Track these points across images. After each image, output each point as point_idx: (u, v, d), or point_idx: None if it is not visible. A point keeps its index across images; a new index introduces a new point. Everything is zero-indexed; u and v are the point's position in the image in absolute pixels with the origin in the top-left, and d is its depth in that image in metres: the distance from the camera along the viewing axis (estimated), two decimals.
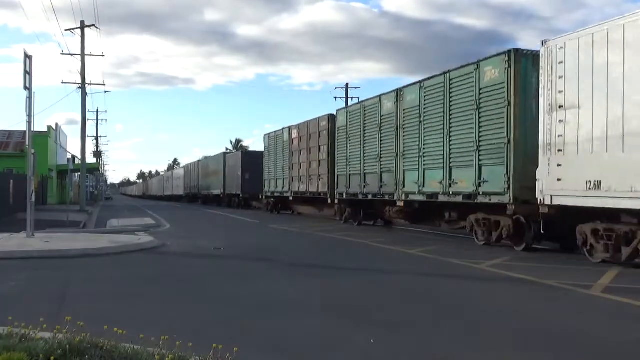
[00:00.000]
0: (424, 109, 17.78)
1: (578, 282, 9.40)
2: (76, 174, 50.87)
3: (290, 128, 31.79)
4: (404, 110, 19.01)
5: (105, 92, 76.10)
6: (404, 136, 19.00)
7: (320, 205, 29.23)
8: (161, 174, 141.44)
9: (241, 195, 43.88)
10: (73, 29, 37.47)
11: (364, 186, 22.03)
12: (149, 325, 6.33)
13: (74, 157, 38.11)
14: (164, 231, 21.60)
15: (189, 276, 10.67)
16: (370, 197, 21.79)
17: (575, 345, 6.00)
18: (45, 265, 11.70)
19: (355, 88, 77.53)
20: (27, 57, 16.06)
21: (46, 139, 47.97)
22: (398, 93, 19.42)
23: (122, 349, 4.64)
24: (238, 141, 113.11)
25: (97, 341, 4.78)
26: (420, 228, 21.43)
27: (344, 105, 52.12)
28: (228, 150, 67.48)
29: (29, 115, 16.22)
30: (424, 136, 17.72)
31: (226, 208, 46.71)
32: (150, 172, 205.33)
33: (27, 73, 16.02)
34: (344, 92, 54.30)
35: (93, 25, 37.73)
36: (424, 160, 17.72)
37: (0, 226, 20.06)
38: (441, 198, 16.81)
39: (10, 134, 49.96)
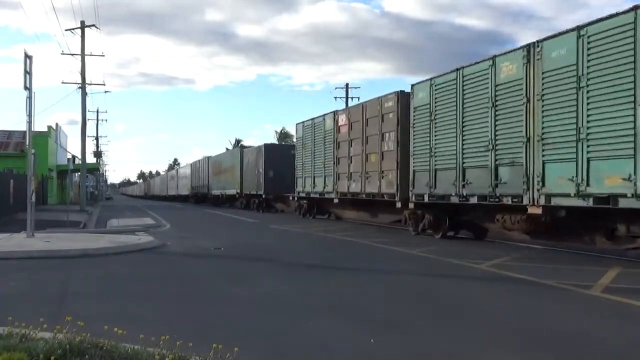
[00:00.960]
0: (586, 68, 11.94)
1: (578, 282, 9.40)
2: (76, 174, 50.89)
3: (335, 113, 25.72)
4: (543, 73, 13.11)
5: (105, 92, 76.28)
6: (543, 111, 13.04)
7: (378, 209, 23.32)
8: (162, 173, 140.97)
9: (263, 196, 37.50)
10: (73, 29, 37.51)
11: (462, 185, 15.93)
12: (149, 325, 6.33)
13: (74, 157, 38.07)
14: (164, 231, 21.60)
15: (189, 276, 10.67)
16: (472, 199, 15.72)
17: (576, 345, 6.00)
18: (45, 265, 11.70)
19: (356, 88, 77.37)
20: (27, 57, 16.06)
21: (46, 139, 47.97)
22: (530, 50, 13.52)
23: (122, 349, 4.64)
24: (238, 141, 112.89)
25: (97, 341, 4.78)
26: None
27: (344, 106, 52.28)
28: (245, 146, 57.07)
29: (29, 115, 16.23)
30: (588, 108, 11.87)
31: (243, 210, 41.38)
32: (150, 172, 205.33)
33: (27, 73, 16.02)
34: (344, 92, 54.25)
35: (93, 25, 37.76)
36: (589, 146, 11.85)
37: (0, 226, 20.06)
38: (624, 203, 11.25)
39: (10, 134, 49.95)
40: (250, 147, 43.87)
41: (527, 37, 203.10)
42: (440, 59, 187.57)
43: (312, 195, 28.19)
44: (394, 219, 21.56)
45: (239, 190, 43.05)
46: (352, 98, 53.54)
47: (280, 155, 36.46)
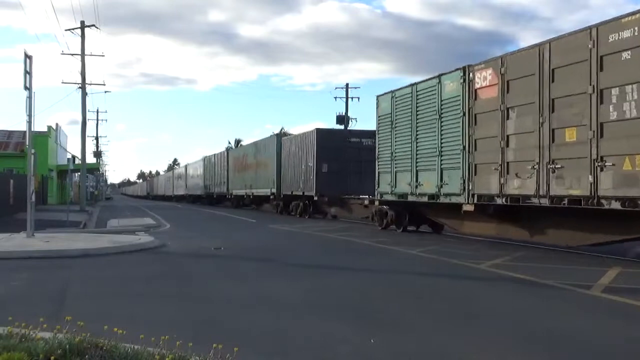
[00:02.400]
0: None
1: (578, 282, 9.40)
2: (76, 174, 50.86)
3: (467, 69, 16.17)
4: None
5: (106, 92, 75.99)
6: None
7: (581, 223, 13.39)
8: (162, 173, 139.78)
9: (315, 197, 28.50)
10: (73, 29, 37.54)
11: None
12: (149, 325, 6.33)
13: (74, 157, 38.05)
14: (164, 231, 21.59)
15: (189, 276, 10.67)
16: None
17: (576, 345, 6.00)
18: (45, 265, 11.70)
19: (355, 88, 77.04)
20: (27, 57, 16.06)
21: (46, 139, 47.97)
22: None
23: (122, 349, 4.64)
24: (238, 141, 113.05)
25: (97, 341, 4.78)
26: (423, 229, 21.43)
27: (344, 106, 52.32)
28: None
29: (29, 115, 16.23)
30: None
31: (280, 215, 33.17)
32: (150, 172, 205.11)
33: (27, 73, 16.03)
34: (344, 92, 54.16)
35: (93, 25, 37.79)
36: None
37: (0, 226, 20.06)
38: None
39: (10, 134, 49.97)
40: (290, 134, 37.78)
41: (528, 37, 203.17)
42: (441, 59, 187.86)
43: (410, 199, 18.94)
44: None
45: (274, 190, 34.33)
46: (352, 98, 53.50)
47: (337, 145, 28.56)
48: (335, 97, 53.72)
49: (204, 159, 57.85)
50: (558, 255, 13.65)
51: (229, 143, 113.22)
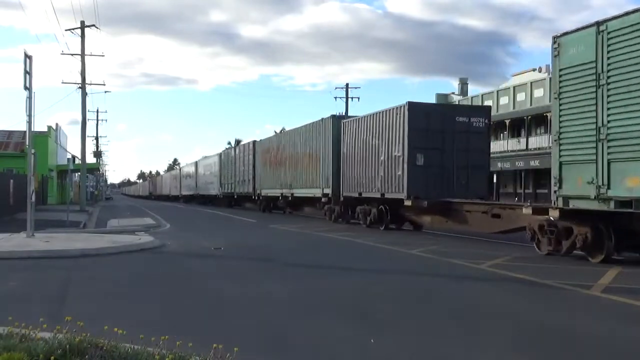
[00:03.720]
0: None
1: (578, 282, 9.40)
2: (76, 174, 50.85)
3: None
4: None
5: (106, 92, 75.92)
6: None
7: None
8: (162, 173, 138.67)
9: (408, 202, 19.68)
10: (73, 29, 37.49)
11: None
12: (149, 325, 6.33)
13: (74, 157, 38.03)
14: (164, 231, 21.59)
15: (189, 276, 10.67)
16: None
17: (576, 345, 6.00)
18: (45, 265, 11.70)
19: (355, 88, 76.97)
20: (27, 57, 16.06)
21: (46, 139, 47.95)
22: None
23: (122, 349, 4.64)
24: (238, 141, 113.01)
25: (97, 341, 4.79)
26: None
27: (345, 107, 52.12)
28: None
29: (29, 115, 16.22)
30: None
31: (338, 224, 24.87)
32: (150, 172, 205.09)
33: (27, 73, 16.02)
34: (344, 92, 54.12)
35: (93, 25, 37.74)
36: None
37: (0, 226, 20.06)
38: None
39: (10, 134, 49.93)
40: (353, 117, 25.31)
41: (529, 38, 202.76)
42: (442, 60, 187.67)
43: None
44: None
45: (327, 191, 25.89)
46: (352, 98, 53.47)
47: (438, 127, 19.81)
48: (336, 97, 53.73)
49: (221, 153, 49.70)
50: (558, 255, 13.62)
51: (229, 143, 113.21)
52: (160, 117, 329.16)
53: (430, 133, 19.70)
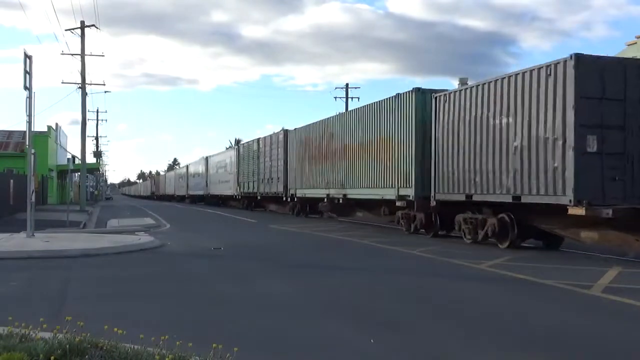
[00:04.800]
0: None
1: (578, 282, 9.40)
2: (76, 174, 50.87)
3: None
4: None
5: (106, 92, 75.93)
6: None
7: None
8: (162, 173, 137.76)
9: (583, 207, 12.08)
10: (73, 29, 37.51)
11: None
12: (148, 325, 6.33)
13: (74, 157, 38.04)
14: (164, 231, 21.59)
15: (189, 276, 10.67)
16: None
17: (576, 345, 6.00)
18: (45, 265, 11.70)
19: (355, 88, 76.87)
20: (27, 57, 16.07)
21: (46, 139, 47.96)
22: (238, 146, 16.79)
23: (122, 349, 4.65)
24: (238, 140, 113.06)
25: (97, 341, 4.79)
26: None
27: (345, 107, 52.07)
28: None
29: (29, 115, 16.23)
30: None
31: (426, 237, 18.15)
32: (150, 172, 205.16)
33: (27, 73, 16.04)
34: (344, 92, 54.06)
35: (93, 25, 37.76)
36: None
37: (0, 226, 20.07)
38: None
39: (10, 134, 49.95)
40: (450, 90, 17.47)
41: (529, 38, 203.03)
42: (443, 60, 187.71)
43: None
44: None
45: (407, 192, 18.87)
46: (352, 98, 53.38)
47: (619, 93, 12.70)
48: (335, 97, 53.47)
49: (239, 147, 43.85)
50: (558, 255, 13.64)
51: (230, 143, 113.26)
52: (161, 117, 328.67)
53: (606, 104, 12.59)
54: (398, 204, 19.52)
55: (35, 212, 17.28)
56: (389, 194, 20.02)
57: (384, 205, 21.73)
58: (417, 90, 18.57)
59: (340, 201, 24.64)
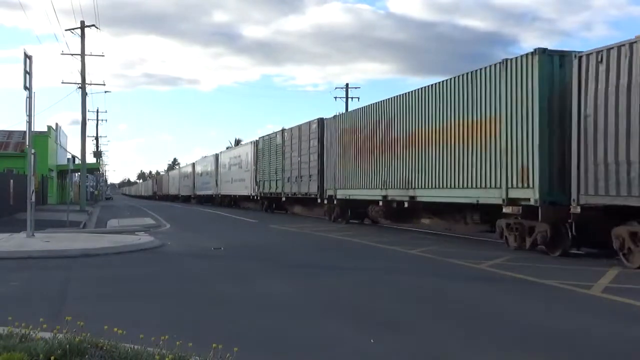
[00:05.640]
0: None
1: (578, 282, 9.40)
2: (76, 174, 50.85)
3: None
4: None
5: (105, 92, 75.90)
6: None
7: None
8: (162, 172, 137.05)
9: None
10: (73, 29, 37.51)
11: None
12: (148, 325, 6.33)
13: (74, 157, 38.03)
14: (164, 231, 21.58)
15: (189, 276, 10.67)
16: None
17: (575, 345, 6.00)
18: (45, 265, 11.70)
19: (356, 88, 76.80)
20: (27, 57, 16.08)
21: (46, 139, 47.94)
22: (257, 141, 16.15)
23: (122, 349, 4.64)
24: (238, 141, 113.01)
25: (97, 341, 4.79)
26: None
27: (345, 107, 52.01)
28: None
29: (29, 115, 16.24)
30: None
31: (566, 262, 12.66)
32: (150, 172, 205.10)
33: (27, 73, 16.04)
34: (344, 93, 54.01)
35: (93, 25, 37.76)
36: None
37: (0, 226, 20.06)
38: None
39: (10, 134, 49.94)
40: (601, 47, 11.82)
41: (530, 38, 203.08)
42: (443, 60, 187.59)
43: None
44: None
45: (524, 194, 13.56)
46: (352, 98, 53.36)
47: None
48: (335, 97, 53.35)
49: (258, 141, 37.99)
50: (558, 255, 13.61)
51: (230, 143, 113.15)
52: (161, 118, 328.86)
53: None
54: (506, 210, 14.16)
55: (35, 212, 17.28)
56: (490, 196, 14.73)
57: (471, 211, 16.91)
58: (542, 51, 13.36)
59: (405, 205, 19.38)
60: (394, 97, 20.29)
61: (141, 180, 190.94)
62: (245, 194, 40.42)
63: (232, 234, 20.51)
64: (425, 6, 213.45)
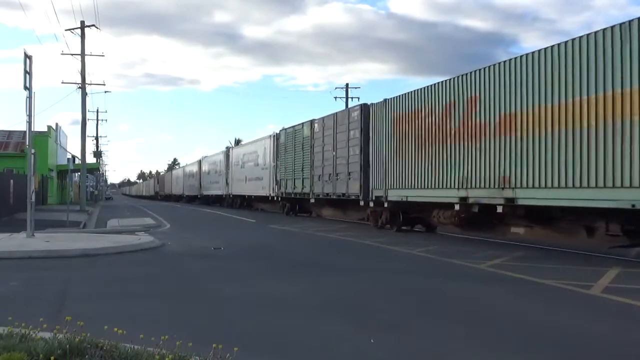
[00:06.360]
0: None
1: (578, 282, 9.40)
2: (76, 174, 50.85)
3: None
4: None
5: (105, 92, 76.18)
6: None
7: None
8: (162, 172, 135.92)
9: None
10: (73, 29, 37.52)
11: None
12: (148, 325, 6.33)
13: (74, 157, 38.02)
14: (164, 231, 21.58)
15: (189, 276, 10.67)
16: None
17: (575, 345, 5.99)
18: (45, 265, 11.70)
19: (356, 88, 76.85)
20: (27, 57, 16.07)
21: (46, 139, 47.94)
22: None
23: (122, 349, 4.64)
24: (238, 140, 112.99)
25: (97, 341, 4.79)
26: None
27: (345, 106, 52.10)
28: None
29: (29, 115, 16.23)
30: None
31: None
32: (150, 172, 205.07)
33: (27, 73, 16.04)
34: (344, 92, 54.01)
35: (93, 25, 37.77)
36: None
37: (0, 226, 20.06)
38: None
39: (10, 134, 49.94)
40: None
41: (530, 39, 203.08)
42: (444, 60, 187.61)
43: None
44: None
45: None
46: (352, 98, 53.34)
47: None
48: (335, 97, 53.32)
49: (279, 134, 33.63)
50: (558, 255, 13.64)
51: (230, 143, 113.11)
52: (161, 118, 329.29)
53: None
54: None
55: (35, 212, 17.27)
56: None
57: (606, 220, 12.64)
58: None
59: (499, 209, 14.81)
60: (483, 68, 15.62)
61: (141, 180, 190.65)
62: (261, 194, 36.43)
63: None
64: (426, 6, 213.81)
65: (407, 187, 19.17)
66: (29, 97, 16.15)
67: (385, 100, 20.88)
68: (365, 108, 22.46)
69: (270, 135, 35.50)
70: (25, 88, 16.07)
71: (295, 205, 32.08)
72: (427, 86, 18.28)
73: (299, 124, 30.31)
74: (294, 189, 30.18)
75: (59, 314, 6.62)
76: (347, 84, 54.40)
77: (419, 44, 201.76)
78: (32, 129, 16.77)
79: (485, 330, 6.58)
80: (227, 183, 45.85)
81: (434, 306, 8.00)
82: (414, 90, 18.93)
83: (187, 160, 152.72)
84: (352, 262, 12.99)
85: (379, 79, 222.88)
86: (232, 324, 6.78)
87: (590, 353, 5.72)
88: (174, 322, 6.69)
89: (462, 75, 16.55)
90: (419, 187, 18.39)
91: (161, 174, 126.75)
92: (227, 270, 11.42)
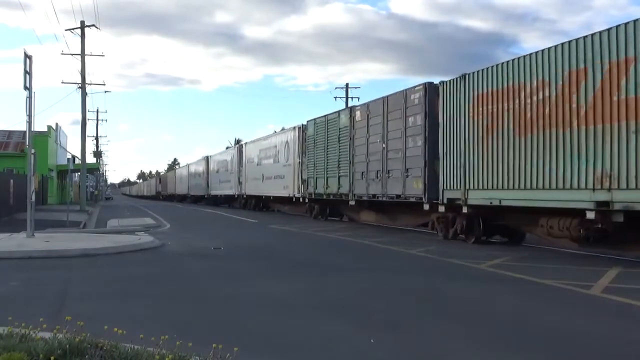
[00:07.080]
0: None
1: (578, 282, 9.40)
2: (76, 174, 50.85)
3: None
4: None
5: (105, 92, 76.10)
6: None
7: None
8: (162, 172, 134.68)
9: None
10: (73, 29, 37.52)
11: None
12: (148, 325, 6.33)
13: (74, 157, 38.02)
14: (164, 231, 21.58)
15: (189, 276, 10.66)
16: None
17: (575, 345, 5.99)
18: (45, 265, 11.69)
19: (356, 88, 76.78)
20: (27, 57, 16.07)
21: (46, 139, 47.93)
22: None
23: (122, 349, 4.64)
24: (238, 140, 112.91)
25: (97, 341, 4.78)
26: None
27: (345, 106, 52.08)
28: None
29: (29, 115, 16.23)
30: None
31: None
32: (150, 172, 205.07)
33: (27, 73, 16.03)
34: (344, 92, 53.98)
35: (93, 25, 37.78)
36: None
37: (0, 226, 20.06)
38: None
39: (10, 134, 49.94)
40: None
41: (531, 39, 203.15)
42: (444, 60, 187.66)
43: None
44: None
45: None
46: (352, 98, 53.32)
47: None
48: (335, 97, 53.31)
49: (306, 125, 28.67)
50: (558, 255, 13.64)
51: (229, 143, 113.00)
52: (162, 118, 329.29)
53: None
54: None
55: (35, 212, 17.27)
56: None
57: None
58: None
59: None
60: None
61: (141, 180, 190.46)
62: (282, 194, 32.07)
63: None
64: (426, 7, 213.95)
65: (498, 187, 14.62)
66: (29, 97, 16.15)
67: (463, 75, 16.21)
68: (431, 88, 17.95)
69: (295, 127, 30.73)
70: (25, 88, 16.07)
71: (326, 208, 27.76)
72: (535, 52, 13.63)
73: (332, 113, 25.63)
74: (327, 189, 25.46)
75: (59, 314, 6.62)
76: (347, 84, 54.44)
77: (420, 44, 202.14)
78: (32, 129, 16.77)
79: (485, 330, 6.58)
80: (239, 182, 41.61)
81: (434, 306, 8.00)
82: (511, 60, 14.40)
83: (188, 160, 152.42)
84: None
85: (380, 79, 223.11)
86: (232, 324, 6.78)
87: (590, 353, 5.72)
88: (173, 322, 6.68)
89: (603, 31, 11.72)
90: (521, 187, 13.84)
91: (163, 173, 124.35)
92: (227, 270, 11.42)
